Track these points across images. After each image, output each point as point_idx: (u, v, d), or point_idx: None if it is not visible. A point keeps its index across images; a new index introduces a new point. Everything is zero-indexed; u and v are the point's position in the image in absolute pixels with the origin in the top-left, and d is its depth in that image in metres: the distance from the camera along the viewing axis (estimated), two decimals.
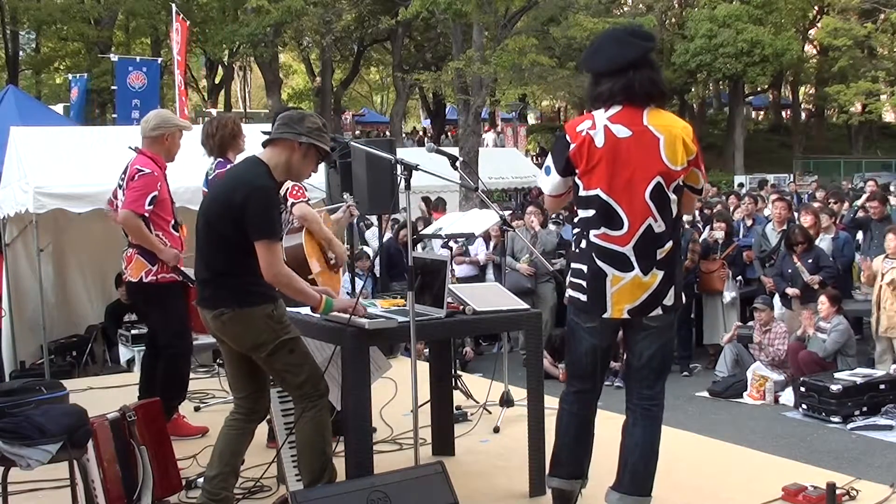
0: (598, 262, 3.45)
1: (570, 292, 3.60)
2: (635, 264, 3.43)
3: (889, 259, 8.10)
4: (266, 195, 3.48)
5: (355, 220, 5.72)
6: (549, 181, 3.59)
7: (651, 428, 3.59)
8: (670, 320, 3.58)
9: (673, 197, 3.45)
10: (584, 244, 3.51)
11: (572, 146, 3.46)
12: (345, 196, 5.17)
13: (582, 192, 3.49)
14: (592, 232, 3.46)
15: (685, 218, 10.16)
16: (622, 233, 3.42)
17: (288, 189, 4.59)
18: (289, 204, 4.61)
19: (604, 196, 3.42)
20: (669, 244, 3.47)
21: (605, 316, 3.48)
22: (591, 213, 3.47)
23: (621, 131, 3.42)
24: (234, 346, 3.66)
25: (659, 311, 3.48)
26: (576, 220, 3.60)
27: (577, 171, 3.47)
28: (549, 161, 3.60)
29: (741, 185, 23.86)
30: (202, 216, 3.62)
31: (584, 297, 3.51)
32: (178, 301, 5.13)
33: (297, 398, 3.66)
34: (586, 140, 3.43)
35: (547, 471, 3.76)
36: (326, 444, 3.68)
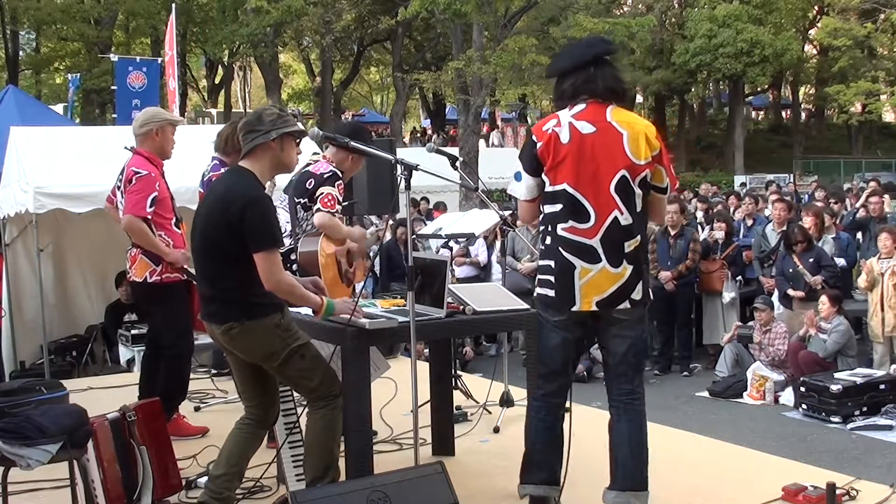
0: (566, 255, 3.51)
1: (537, 290, 3.64)
2: (603, 256, 3.48)
3: (883, 259, 8.09)
4: (262, 205, 3.47)
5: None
6: (521, 185, 3.64)
7: (636, 421, 3.61)
8: (640, 314, 3.60)
9: (638, 191, 3.51)
10: (549, 240, 3.57)
11: (539, 144, 3.55)
12: (374, 219, 5.06)
13: (549, 188, 3.55)
14: (560, 226, 3.52)
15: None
16: (589, 225, 3.48)
17: (322, 194, 4.43)
18: (315, 208, 4.49)
19: (570, 190, 3.49)
20: (637, 238, 3.53)
21: (573, 309, 3.52)
22: (557, 207, 3.53)
23: (586, 127, 3.50)
24: (246, 358, 3.66)
25: (627, 304, 3.52)
26: (541, 216, 3.64)
27: (544, 168, 3.54)
28: (518, 166, 3.66)
29: (743, 184, 23.87)
30: (199, 231, 3.58)
31: (551, 293, 3.56)
32: (181, 301, 5.13)
33: (312, 400, 3.67)
34: (552, 137, 3.52)
35: (519, 479, 3.77)
36: (335, 443, 3.69)
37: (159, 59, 15.59)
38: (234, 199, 3.45)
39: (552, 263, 3.54)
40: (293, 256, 4.58)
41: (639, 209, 3.53)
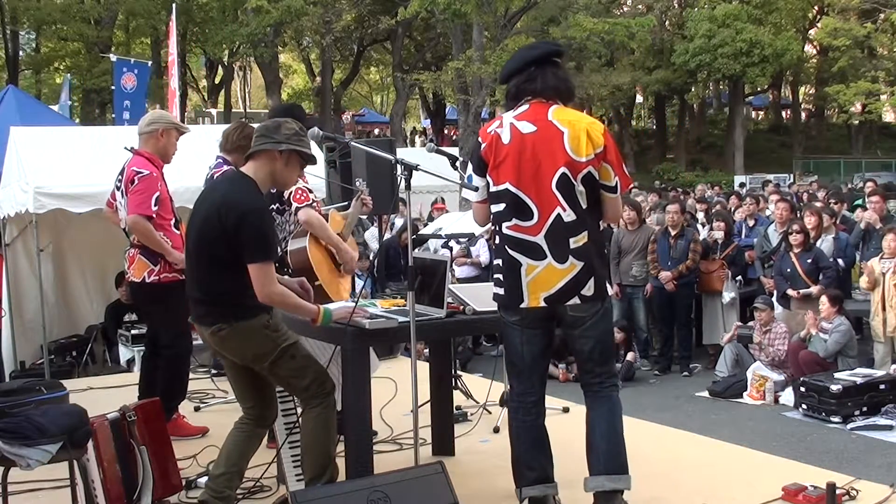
0: (512, 253, 3.55)
1: (493, 289, 3.68)
2: (548, 253, 3.51)
3: (885, 259, 8.08)
4: (259, 217, 3.45)
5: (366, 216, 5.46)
6: (472, 188, 3.71)
7: (607, 406, 3.62)
8: (598, 310, 3.58)
9: (581, 188, 3.52)
10: (497, 239, 3.63)
11: (483, 146, 3.63)
12: (357, 182, 5.02)
13: (492, 188, 3.61)
14: (505, 224, 3.57)
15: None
16: (533, 223, 3.52)
17: (291, 193, 4.47)
18: (293, 208, 4.50)
19: (513, 189, 3.54)
20: (584, 234, 3.53)
21: (522, 306, 3.55)
22: (502, 206, 3.58)
23: (526, 127, 3.55)
24: (236, 360, 3.66)
25: (577, 300, 3.52)
26: (490, 217, 3.69)
27: (487, 167, 3.60)
28: (469, 170, 3.72)
29: (743, 184, 23.87)
30: (195, 233, 3.56)
31: (502, 291, 3.61)
32: (180, 301, 5.10)
33: (304, 399, 3.66)
34: (494, 138, 3.59)
35: (514, 484, 3.75)
36: (331, 441, 3.68)
37: (149, 62, 15.65)
38: (231, 208, 3.42)
39: (500, 262, 3.61)
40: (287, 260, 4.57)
41: (584, 206, 3.54)
